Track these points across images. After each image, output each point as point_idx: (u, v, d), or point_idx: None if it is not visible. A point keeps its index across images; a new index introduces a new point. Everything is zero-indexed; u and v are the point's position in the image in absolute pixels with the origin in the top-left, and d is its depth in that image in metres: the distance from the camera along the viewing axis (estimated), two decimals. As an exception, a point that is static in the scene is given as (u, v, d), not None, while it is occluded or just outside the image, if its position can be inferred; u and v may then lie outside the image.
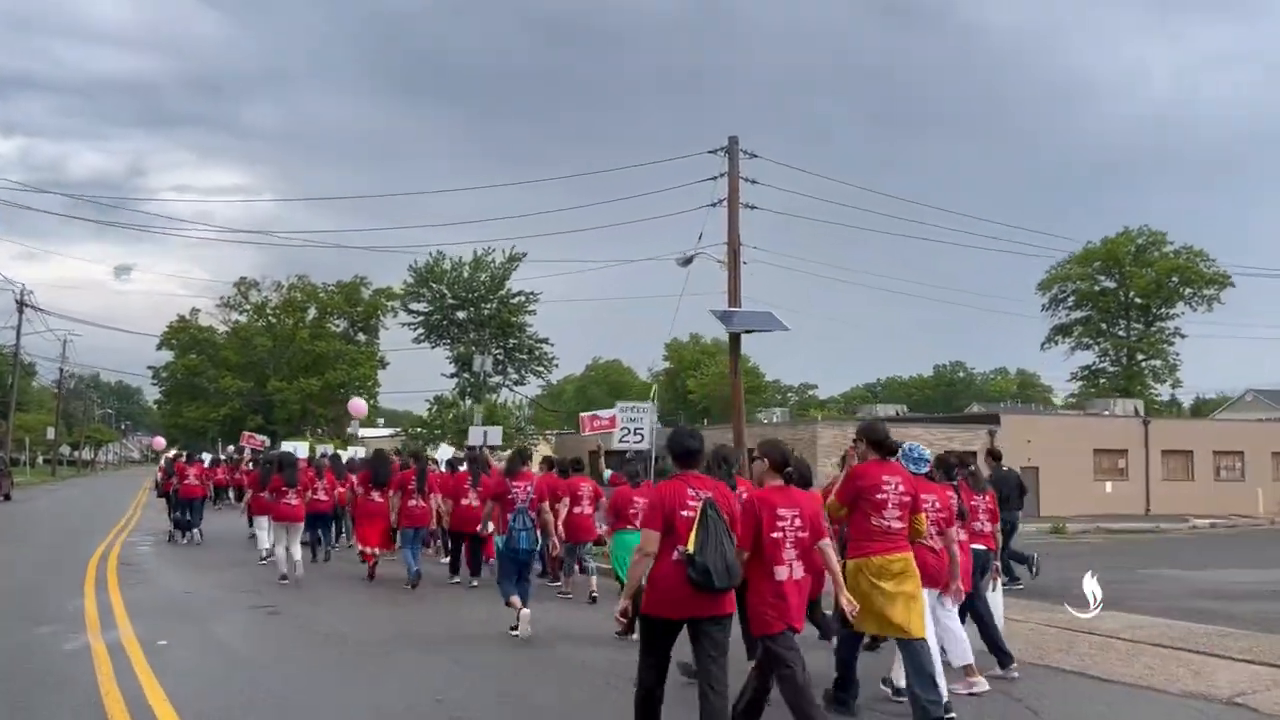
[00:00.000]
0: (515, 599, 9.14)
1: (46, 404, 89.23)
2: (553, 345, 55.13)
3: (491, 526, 9.80)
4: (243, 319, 72.19)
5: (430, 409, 50.12)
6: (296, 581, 12.81)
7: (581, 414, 19.19)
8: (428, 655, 8.63)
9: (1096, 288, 65.34)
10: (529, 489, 9.35)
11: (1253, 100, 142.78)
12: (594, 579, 12.04)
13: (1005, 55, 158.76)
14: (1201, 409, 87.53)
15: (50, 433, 72.38)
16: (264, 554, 14.97)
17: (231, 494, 32.21)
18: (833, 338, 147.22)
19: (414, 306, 54.81)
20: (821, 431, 31.48)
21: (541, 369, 56.26)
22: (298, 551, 13.23)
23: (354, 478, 16.56)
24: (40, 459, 79.50)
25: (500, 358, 53.50)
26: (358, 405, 40.95)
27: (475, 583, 13.18)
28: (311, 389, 66.24)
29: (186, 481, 19.61)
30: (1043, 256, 70.18)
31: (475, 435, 25.57)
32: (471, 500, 12.86)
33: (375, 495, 13.61)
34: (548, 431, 56.35)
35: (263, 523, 14.95)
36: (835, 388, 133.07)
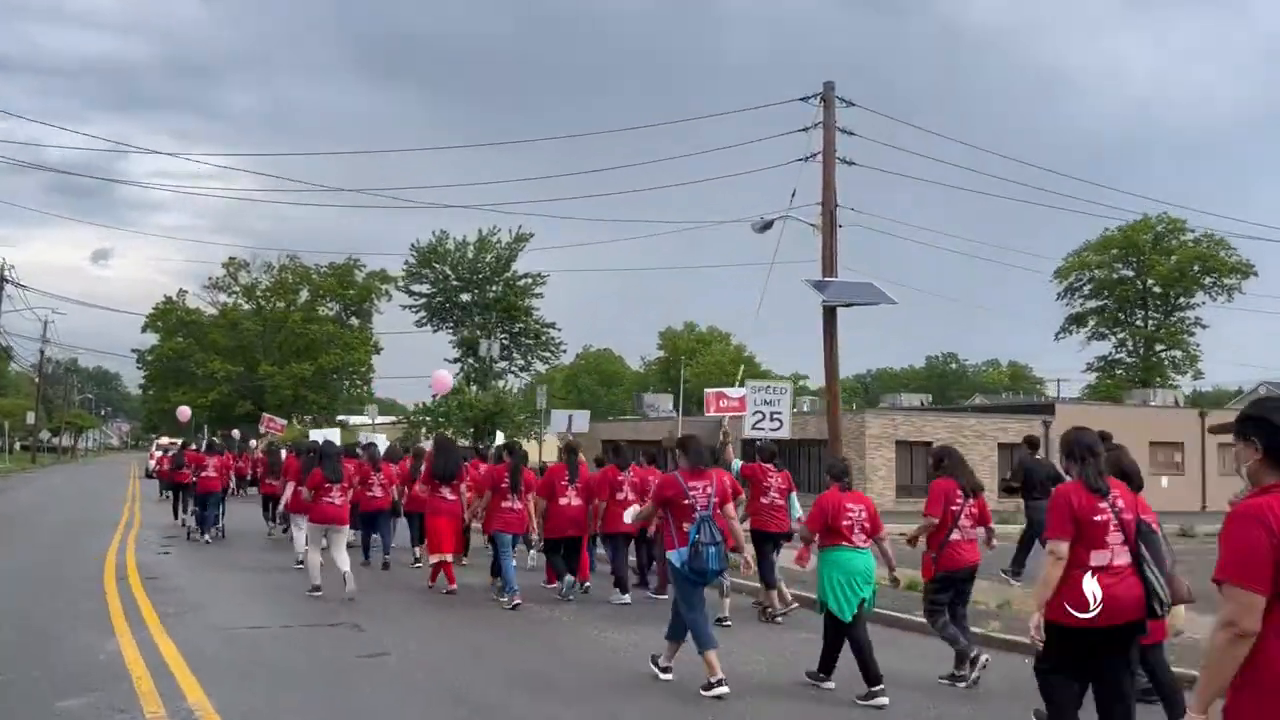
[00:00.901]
0: (713, 654, 6.85)
1: (23, 389, 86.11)
2: (560, 330, 52.94)
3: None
4: (231, 301, 69.46)
5: (435, 395, 47.73)
6: (351, 597, 10.52)
7: (708, 391, 16.75)
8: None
9: (1114, 276, 63.60)
10: (710, 490, 7.08)
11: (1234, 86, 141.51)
12: (727, 600, 9.78)
13: (985, 46, 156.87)
14: (1199, 401, 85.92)
15: (30, 418, 69.44)
16: (299, 560, 12.72)
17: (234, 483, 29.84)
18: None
19: (415, 288, 52.35)
20: (870, 421, 29.39)
21: (548, 354, 54.00)
22: (345, 560, 10.94)
23: (393, 469, 14.65)
24: (18, 445, 76.56)
25: (505, 342, 51.18)
26: (442, 380, 35.83)
27: (573, 596, 11.15)
28: (304, 373, 63.66)
29: (205, 474, 17.29)
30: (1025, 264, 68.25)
31: (559, 421, 22.35)
32: (570, 499, 11.07)
33: (446, 492, 11.42)
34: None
35: (300, 523, 12.67)
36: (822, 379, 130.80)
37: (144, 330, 69.17)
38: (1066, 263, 64.42)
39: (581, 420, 22.35)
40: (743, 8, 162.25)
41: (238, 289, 69.18)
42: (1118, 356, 65.60)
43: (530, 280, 51.77)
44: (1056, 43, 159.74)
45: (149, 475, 45.26)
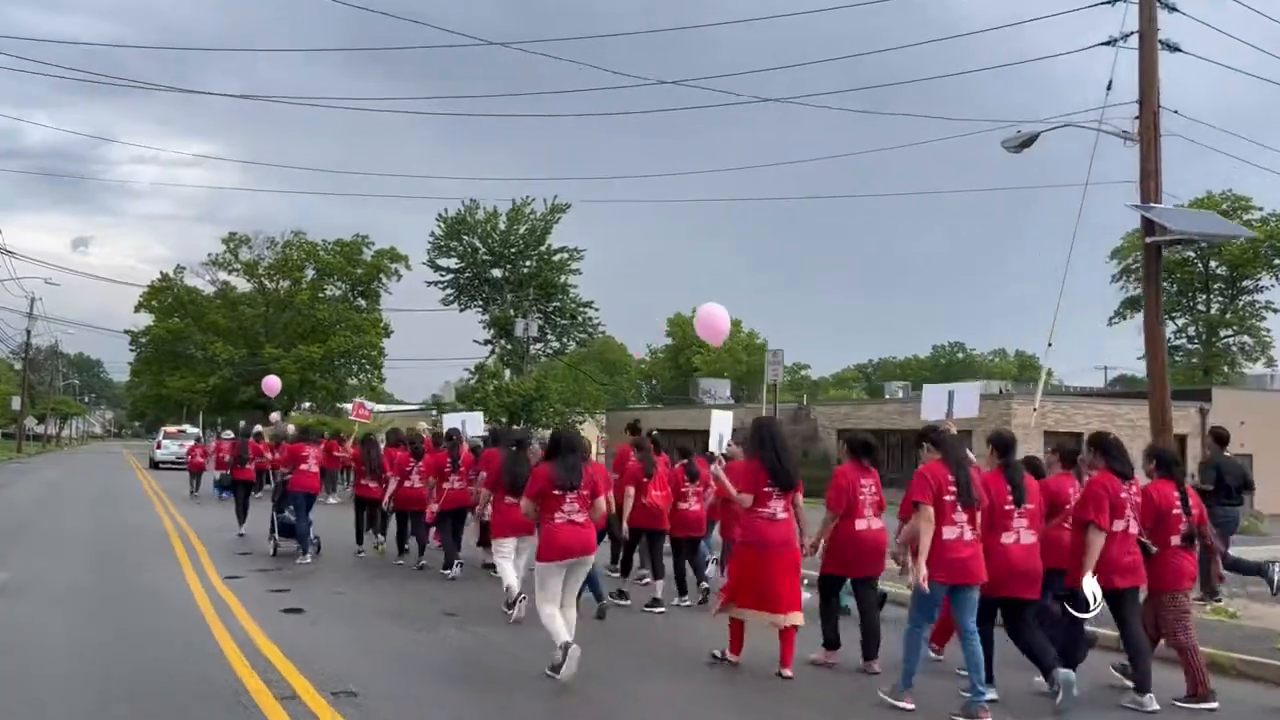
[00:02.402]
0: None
1: (3, 374, 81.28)
2: (597, 310, 48.61)
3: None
4: (231, 279, 64.74)
5: (472, 377, 43.40)
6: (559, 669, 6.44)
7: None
8: None
9: (1178, 256, 59.66)
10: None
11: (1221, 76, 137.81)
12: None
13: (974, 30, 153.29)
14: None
15: (15, 403, 64.67)
16: (510, 606, 8.54)
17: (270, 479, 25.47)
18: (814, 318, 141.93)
19: (442, 262, 47.90)
20: (1017, 408, 25.27)
21: (585, 335, 49.69)
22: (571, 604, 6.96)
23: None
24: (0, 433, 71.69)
25: (539, 322, 46.85)
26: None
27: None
28: (313, 356, 59.09)
29: (305, 469, 13.18)
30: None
31: (718, 422, 18.23)
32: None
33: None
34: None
35: (505, 549, 8.46)
36: (824, 368, 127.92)
37: (137, 310, 64.45)
38: (1125, 241, 60.61)
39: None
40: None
41: (238, 266, 64.46)
42: (1177, 343, 61.88)
43: (567, 254, 47.40)
44: None
45: (154, 465, 40.92)
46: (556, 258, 47.31)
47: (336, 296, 65.39)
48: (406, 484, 12.54)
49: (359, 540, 14.20)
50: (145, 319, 64.99)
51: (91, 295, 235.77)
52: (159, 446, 41.81)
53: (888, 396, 45.22)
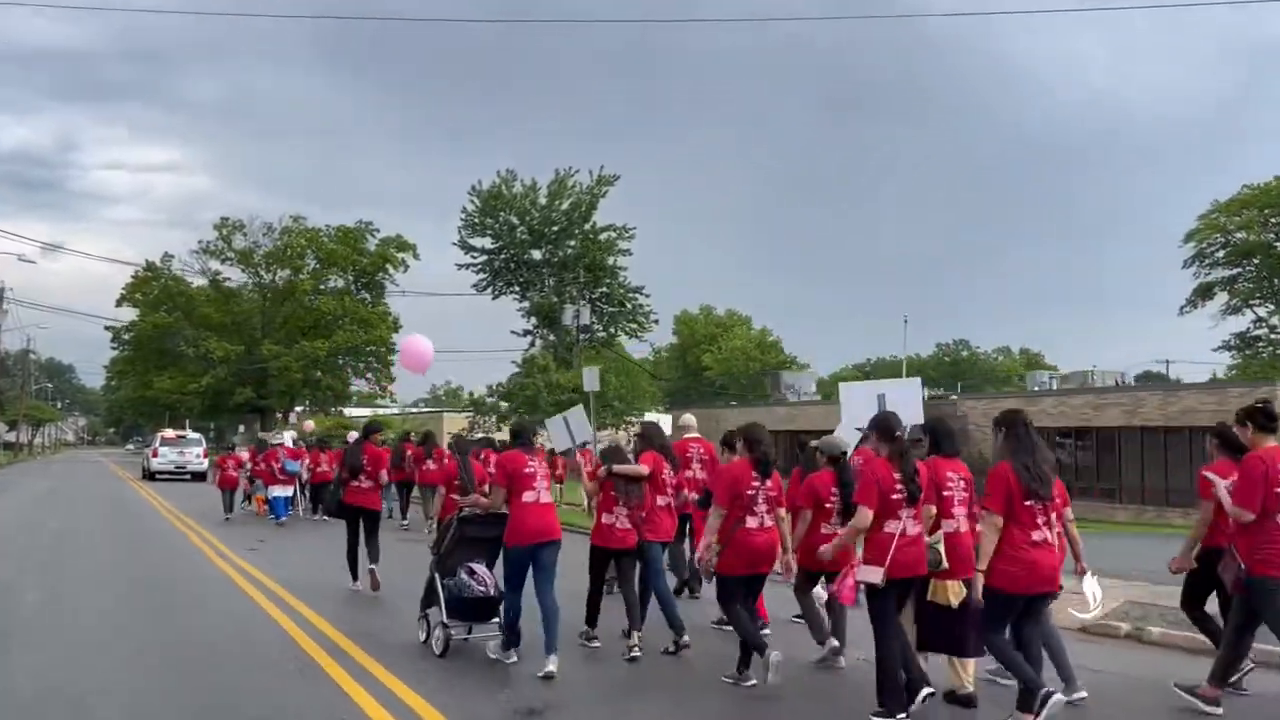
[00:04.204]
0: None
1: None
2: (648, 296, 43.20)
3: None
4: (224, 270, 58.74)
5: (521, 370, 37.78)
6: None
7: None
8: None
9: (1261, 238, 54.89)
10: None
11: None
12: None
13: (944, 40, 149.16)
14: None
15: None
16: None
17: (309, 494, 20.08)
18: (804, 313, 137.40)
19: (474, 242, 42.34)
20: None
21: (635, 325, 44.28)
22: None
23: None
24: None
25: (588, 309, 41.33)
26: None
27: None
28: (319, 353, 53.23)
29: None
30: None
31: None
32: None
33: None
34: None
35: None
36: (823, 367, 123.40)
37: (119, 303, 58.31)
38: (1203, 222, 55.93)
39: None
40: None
41: (232, 255, 58.46)
42: (1256, 333, 57.27)
43: (615, 233, 41.96)
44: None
45: (149, 476, 35.16)
46: (603, 236, 41.88)
47: (339, 289, 59.51)
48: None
49: None
50: (129, 314, 59.00)
51: (60, 300, 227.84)
52: (155, 454, 36.00)
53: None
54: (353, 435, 22.14)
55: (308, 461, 19.90)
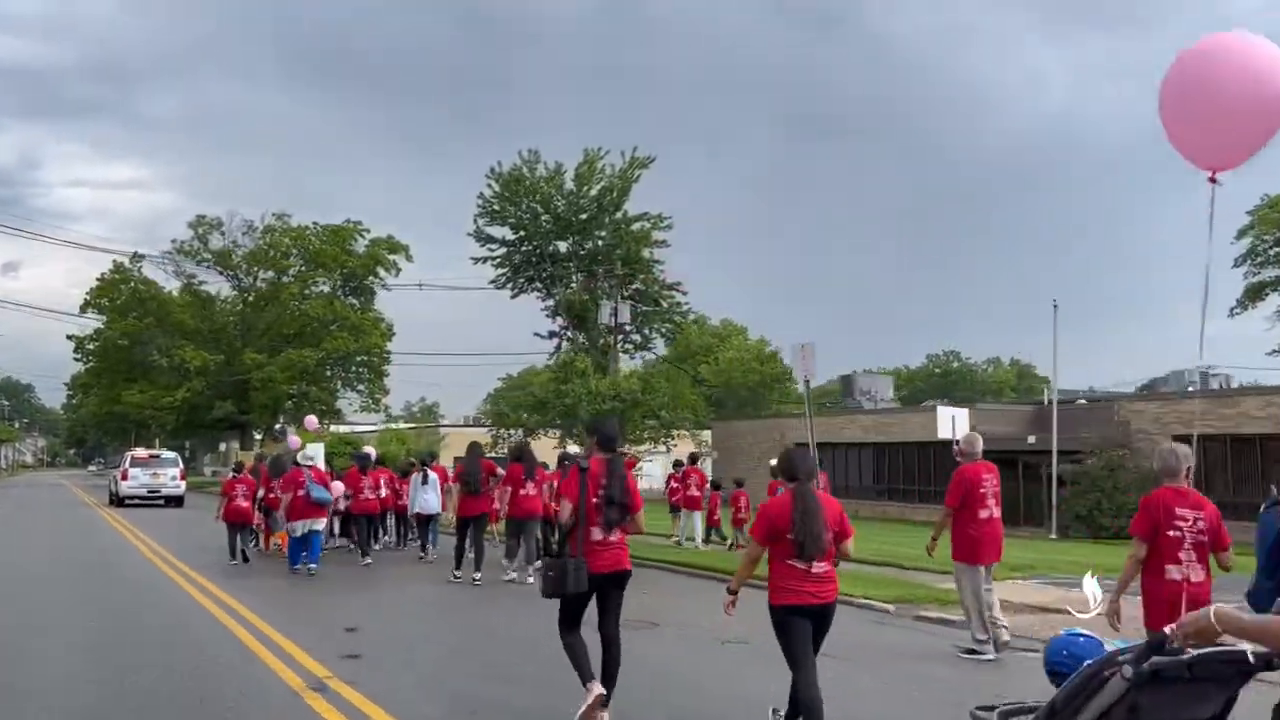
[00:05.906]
0: None
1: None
2: (686, 293, 38.54)
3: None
4: (200, 273, 53.36)
5: (556, 374, 32.82)
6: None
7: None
8: None
9: (1321, 233, 51.12)
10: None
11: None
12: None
13: (910, 61, 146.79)
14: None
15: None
16: None
17: (337, 527, 15.26)
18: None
19: (493, 232, 37.52)
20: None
21: (671, 325, 39.67)
22: None
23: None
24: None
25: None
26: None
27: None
28: (308, 362, 48.03)
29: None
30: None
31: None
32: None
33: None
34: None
35: None
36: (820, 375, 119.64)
37: (84, 310, 52.65)
38: (1258, 214, 52.10)
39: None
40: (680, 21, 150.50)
41: (208, 256, 53.17)
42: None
43: (649, 223, 37.31)
44: None
45: (117, 501, 30.03)
46: (635, 226, 37.18)
47: (326, 294, 54.24)
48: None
49: None
50: (93, 322, 53.31)
51: (18, 318, 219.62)
52: (125, 476, 30.77)
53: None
54: (369, 449, 17.61)
55: (342, 487, 15.08)
